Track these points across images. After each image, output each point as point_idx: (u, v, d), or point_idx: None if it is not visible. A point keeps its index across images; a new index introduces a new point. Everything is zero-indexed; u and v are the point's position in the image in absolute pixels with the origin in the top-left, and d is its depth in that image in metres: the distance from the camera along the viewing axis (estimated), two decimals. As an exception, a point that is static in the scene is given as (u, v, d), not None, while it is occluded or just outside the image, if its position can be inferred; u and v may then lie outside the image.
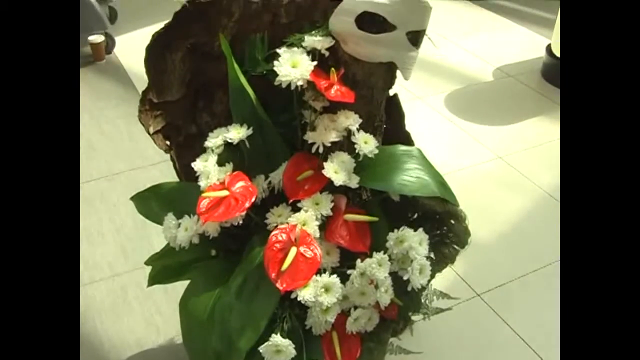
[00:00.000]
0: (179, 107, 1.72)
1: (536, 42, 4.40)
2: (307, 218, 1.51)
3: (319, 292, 1.46)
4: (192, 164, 1.58)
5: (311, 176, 1.56)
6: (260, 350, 1.45)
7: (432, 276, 1.68)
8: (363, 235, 1.58)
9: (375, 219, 1.59)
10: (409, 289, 1.57)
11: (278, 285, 1.43)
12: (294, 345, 1.44)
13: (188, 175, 1.72)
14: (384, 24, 1.53)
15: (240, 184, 1.51)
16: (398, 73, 1.64)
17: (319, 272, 1.49)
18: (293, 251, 1.45)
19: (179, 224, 1.60)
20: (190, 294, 1.63)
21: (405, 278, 1.56)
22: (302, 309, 1.51)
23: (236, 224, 1.52)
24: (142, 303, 2.34)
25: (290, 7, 1.63)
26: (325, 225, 1.56)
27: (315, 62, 1.51)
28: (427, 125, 3.47)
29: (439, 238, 1.77)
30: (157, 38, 1.63)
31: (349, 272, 1.52)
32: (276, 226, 1.51)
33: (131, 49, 4.24)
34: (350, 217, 1.57)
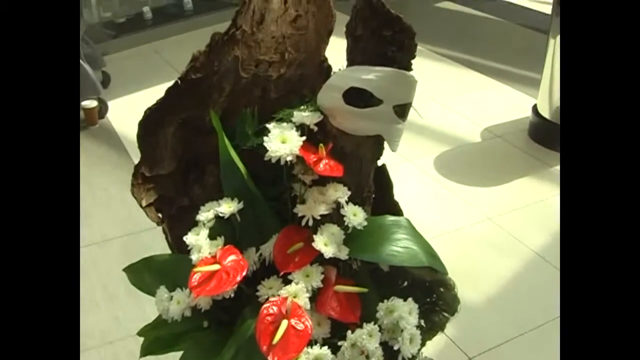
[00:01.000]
0: (171, 180, 1.75)
1: (522, 101, 4.48)
2: (298, 290, 1.52)
3: (310, 365, 1.47)
4: (184, 238, 1.60)
5: (301, 248, 1.58)
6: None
7: (423, 344, 1.69)
8: (353, 306, 1.60)
9: (365, 289, 1.60)
10: (400, 359, 1.58)
11: (270, 358, 1.44)
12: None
13: (180, 247, 1.74)
14: (371, 99, 1.57)
15: (232, 257, 1.53)
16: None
17: (310, 343, 1.50)
18: (284, 324, 1.46)
19: (171, 297, 1.62)
20: (184, 366, 1.64)
21: (395, 348, 1.57)
22: (295, 381, 1.52)
23: (228, 296, 1.54)
24: (135, 372, 2.34)
25: (280, 82, 1.68)
26: (316, 296, 1.58)
27: (304, 137, 1.55)
28: (416, 187, 3.51)
29: (429, 306, 1.79)
30: (150, 114, 1.66)
31: (339, 343, 1.53)
32: (267, 298, 1.52)
33: (124, 113, 4.29)
34: (340, 288, 1.59)
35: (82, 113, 4.14)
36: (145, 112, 1.67)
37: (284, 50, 1.67)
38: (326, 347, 1.50)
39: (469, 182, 3.56)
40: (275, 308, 1.49)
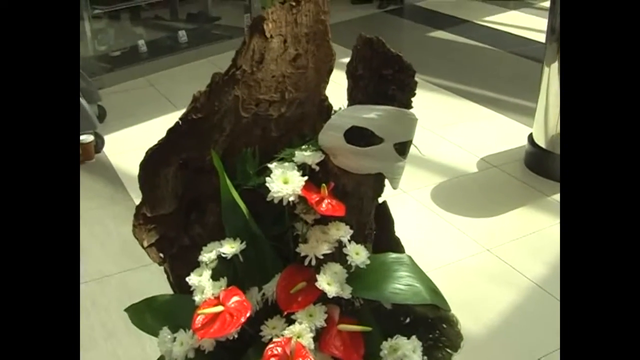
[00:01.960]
0: (172, 220, 1.74)
1: (517, 131, 4.50)
2: (302, 330, 1.52)
3: (315, 405, 1.46)
4: (187, 279, 1.60)
5: (304, 288, 1.57)
6: None
7: (426, 381, 1.68)
8: (357, 345, 1.59)
9: (368, 328, 1.60)
10: (404, 397, 1.58)
11: (276, 399, 1.44)
12: None
13: (182, 287, 1.73)
14: (372, 137, 1.58)
15: (235, 298, 1.53)
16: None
17: (315, 384, 1.49)
18: (289, 365, 1.46)
19: (175, 338, 1.61)
20: (187, 408, 1.63)
21: (400, 386, 1.57)
22: (299, 422, 1.51)
23: (231, 337, 1.53)
24: (135, 411, 2.33)
25: (280, 121, 1.68)
26: (319, 335, 1.57)
27: (306, 177, 1.55)
28: (414, 219, 3.51)
29: (432, 342, 1.78)
30: (151, 155, 1.67)
31: (344, 383, 1.53)
32: (271, 339, 1.52)
33: (120, 147, 4.29)
34: (344, 327, 1.59)
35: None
36: (147, 152, 1.67)
37: (284, 90, 1.68)
38: (331, 388, 1.49)
39: (467, 214, 3.56)
40: (279, 349, 1.48)
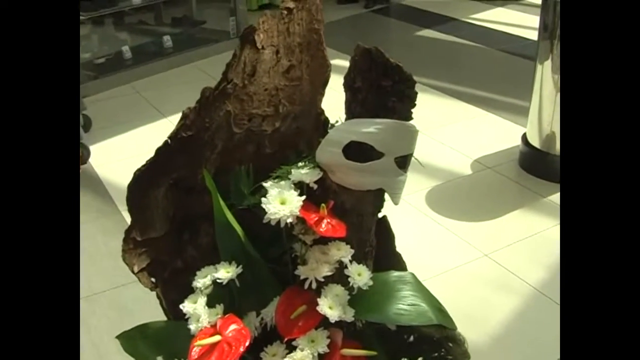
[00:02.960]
0: (164, 242, 1.67)
1: (511, 130, 4.43)
2: (304, 357, 1.45)
3: None
4: (181, 306, 1.52)
5: (305, 312, 1.50)
6: None
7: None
8: (361, 370, 1.53)
9: (373, 353, 1.53)
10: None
11: None
12: None
13: (176, 313, 1.65)
14: (371, 152, 1.51)
15: (233, 327, 1.45)
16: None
17: (319, 413, 1.42)
18: (291, 395, 1.39)
19: (169, 369, 1.53)
20: None
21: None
22: None
23: (230, 367, 1.46)
24: None
25: (274, 136, 1.61)
26: (322, 361, 1.50)
27: (303, 197, 1.47)
28: (410, 225, 3.44)
29: (438, 362, 1.71)
30: (139, 175, 1.59)
31: (349, 411, 1.46)
32: (271, 367, 1.45)
33: (107, 158, 4.20)
34: (347, 351, 1.52)
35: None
36: (135, 174, 1.59)
37: (278, 103, 1.60)
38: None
39: (463, 218, 3.50)
40: (280, 378, 1.41)
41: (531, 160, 3.95)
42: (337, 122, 1.60)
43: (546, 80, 3.76)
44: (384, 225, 1.79)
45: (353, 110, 1.53)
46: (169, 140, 1.56)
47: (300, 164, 1.53)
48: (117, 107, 5.15)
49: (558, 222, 3.38)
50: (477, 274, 3.06)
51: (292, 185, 1.50)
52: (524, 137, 4.02)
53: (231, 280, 1.51)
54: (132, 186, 1.60)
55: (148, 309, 1.82)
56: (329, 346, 1.49)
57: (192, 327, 1.48)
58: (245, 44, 1.60)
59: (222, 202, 1.54)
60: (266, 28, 1.62)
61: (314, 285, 1.50)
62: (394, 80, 1.49)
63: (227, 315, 1.48)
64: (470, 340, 1.73)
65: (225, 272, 1.51)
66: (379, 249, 1.78)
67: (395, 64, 1.48)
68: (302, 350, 1.46)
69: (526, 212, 3.56)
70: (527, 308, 2.85)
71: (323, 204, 1.48)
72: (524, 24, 7.00)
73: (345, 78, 1.53)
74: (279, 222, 1.46)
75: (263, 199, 1.46)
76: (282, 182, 1.50)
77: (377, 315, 1.56)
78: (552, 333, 2.63)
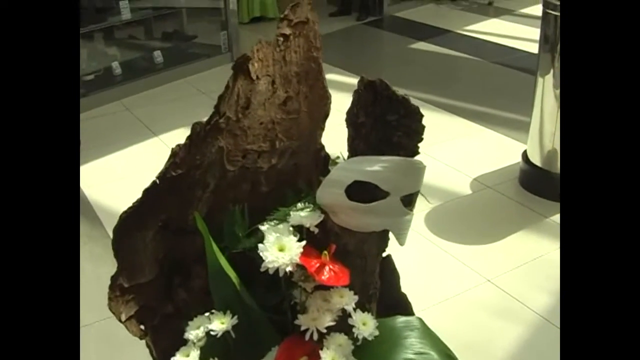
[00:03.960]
0: (153, 287, 1.56)
1: (510, 147, 4.33)
2: (305, 415, 1.34)
3: None
4: (172, 360, 1.41)
5: (306, 365, 1.39)
6: None
7: None
8: None
9: (380, 407, 1.42)
10: None
11: None
12: None
13: (166, 362, 1.54)
14: (376, 191, 1.40)
15: (228, 385, 1.34)
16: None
17: None
18: None
19: None
20: None
21: None
22: None
23: None
24: None
25: (271, 173, 1.50)
26: (325, 417, 1.39)
27: (303, 242, 1.36)
28: (409, 250, 3.30)
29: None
30: (126, 218, 1.47)
31: None
32: None
33: (96, 179, 4.07)
34: (351, 406, 1.41)
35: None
36: (121, 217, 1.47)
37: (274, 138, 1.49)
38: None
39: (464, 241, 3.39)
40: None
41: (532, 178, 3.84)
42: (338, 157, 1.49)
43: (547, 95, 3.65)
44: (388, 265, 1.69)
45: (356, 147, 1.42)
46: (158, 181, 1.45)
47: (299, 204, 1.42)
48: (107, 126, 5.03)
49: (562, 244, 3.28)
50: (480, 301, 2.95)
51: (291, 229, 1.39)
52: (525, 155, 3.91)
53: (226, 332, 1.40)
54: (118, 230, 1.48)
55: (140, 343, 1.71)
56: (331, 401, 1.38)
57: (184, 383, 1.37)
58: (238, 74, 1.49)
59: (214, 247, 1.43)
60: (261, 57, 1.51)
61: (315, 337, 1.39)
62: (399, 114, 1.39)
63: (221, 372, 1.37)
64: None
65: (219, 323, 1.40)
66: (383, 290, 1.67)
67: (401, 97, 1.37)
68: (303, 406, 1.35)
69: (528, 233, 3.45)
70: (530, 336, 2.75)
71: (325, 252, 1.37)
72: (518, 35, 6.92)
73: (347, 113, 1.42)
74: (277, 269, 1.35)
75: (260, 245, 1.35)
76: (280, 226, 1.38)
77: (383, 366, 1.45)
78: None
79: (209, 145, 1.48)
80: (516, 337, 2.73)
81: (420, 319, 1.55)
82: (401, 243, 1.49)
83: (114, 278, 1.52)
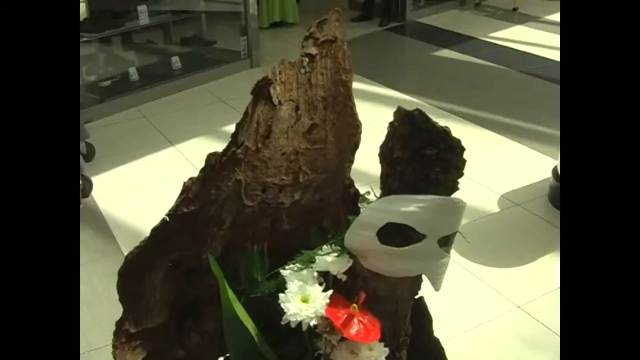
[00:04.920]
0: (162, 331, 1.42)
1: (540, 162, 4.16)
2: None
3: None
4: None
5: None
6: None
7: None
8: None
9: None
10: None
11: None
12: None
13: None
14: (411, 234, 1.25)
15: None
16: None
17: None
18: None
19: None
20: None
21: None
22: None
23: None
24: None
25: (294, 210, 1.35)
26: None
27: (330, 292, 1.22)
28: (435, 272, 3.17)
29: None
30: (132, 259, 1.34)
31: None
32: None
33: (110, 190, 3.94)
34: None
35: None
36: (127, 257, 1.34)
37: (298, 170, 1.35)
38: None
39: (493, 263, 3.22)
40: None
41: (563, 196, 3.67)
42: (368, 193, 1.35)
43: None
44: (420, 307, 1.54)
45: (390, 184, 1.27)
46: (168, 219, 1.31)
47: (324, 247, 1.28)
48: (123, 133, 4.90)
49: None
50: (511, 329, 2.79)
51: (316, 274, 1.24)
52: (555, 171, 3.74)
53: (243, 389, 1.26)
54: (123, 272, 1.35)
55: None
56: None
57: None
58: (258, 99, 1.35)
59: (230, 293, 1.29)
60: (283, 79, 1.37)
61: (342, 398, 1.24)
62: (439, 148, 1.24)
63: None
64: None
65: (235, 381, 1.25)
66: (415, 334, 1.52)
67: (441, 129, 1.23)
68: None
69: (559, 256, 3.28)
70: (563, 367, 2.58)
71: (354, 305, 1.22)
72: (544, 42, 6.75)
73: (381, 148, 1.27)
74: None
75: (281, 295, 1.21)
76: (304, 272, 1.24)
77: None
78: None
79: (225, 179, 1.34)
80: (548, 368, 2.59)
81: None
82: (437, 289, 1.34)
83: (119, 324, 1.39)
